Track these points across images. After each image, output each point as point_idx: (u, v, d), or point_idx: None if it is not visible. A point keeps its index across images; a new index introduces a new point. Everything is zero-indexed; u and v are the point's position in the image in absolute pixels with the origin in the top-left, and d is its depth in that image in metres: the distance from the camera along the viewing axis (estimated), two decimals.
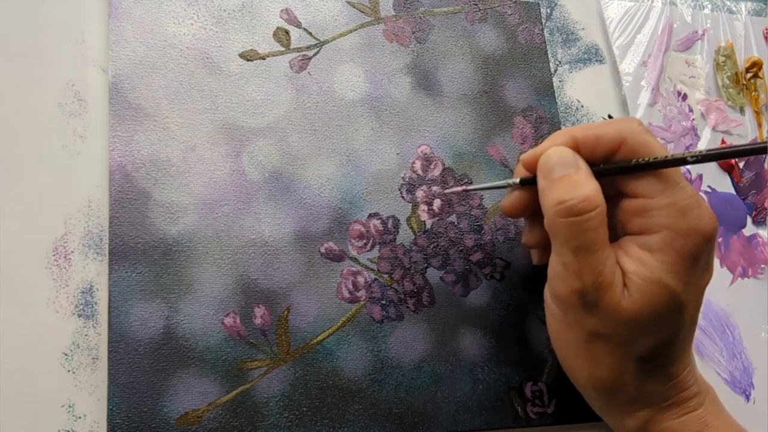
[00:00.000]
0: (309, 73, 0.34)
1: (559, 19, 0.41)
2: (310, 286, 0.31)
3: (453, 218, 0.34)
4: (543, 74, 0.39)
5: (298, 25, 0.35)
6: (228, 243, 0.30)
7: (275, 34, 0.34)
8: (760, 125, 0.43)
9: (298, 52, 0.34)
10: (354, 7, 0.36)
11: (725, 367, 0.37)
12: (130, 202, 0.30)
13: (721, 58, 0.44)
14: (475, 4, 0.39)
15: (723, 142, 0.42)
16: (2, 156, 0.29)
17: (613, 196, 0.28)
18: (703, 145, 0.42)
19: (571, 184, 0.26)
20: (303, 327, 0.30)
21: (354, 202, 0.33)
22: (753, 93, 0.44)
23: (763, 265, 0.40)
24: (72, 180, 0.30)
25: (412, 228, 0.33)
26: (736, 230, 0.41)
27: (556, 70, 0.40)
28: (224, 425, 0.28)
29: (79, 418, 0.27)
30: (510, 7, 0.39)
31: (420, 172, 0.34)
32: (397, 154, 0.34)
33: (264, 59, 0.34)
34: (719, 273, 0.39)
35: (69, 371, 0.27)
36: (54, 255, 0.29)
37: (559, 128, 0.38)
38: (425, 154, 0.35)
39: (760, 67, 0.44)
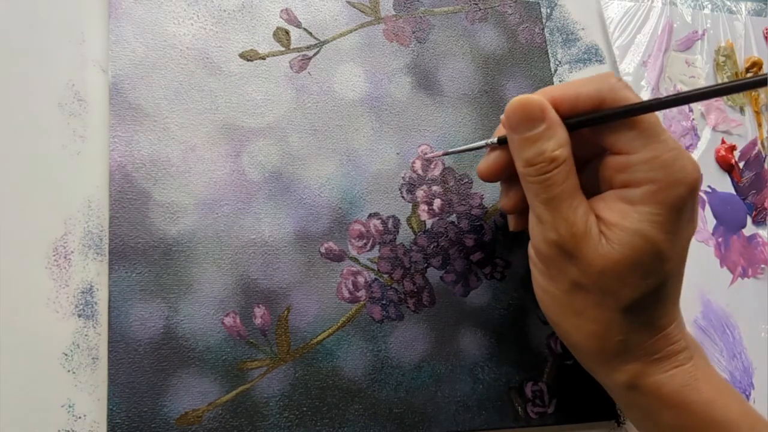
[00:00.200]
0: (309, 73, 0.34)
1: (559, 19, 0.41)
2: (310, 286, 0.31)
3: (453, 218, 0.34)
4: (543, 74, 0.39)
5: (298, 25, 0.35)
6: (228, 243, 0.30)
7: (275, 34, 0.34)
8: (760, 125, 0.43)
9: (298, 52, 0.34)
10: (354, 7, 0.36)
11: (725, 367, 0.37)
12: (130, 202, 0.30)
13: (721, 58, 0.44)
14: (476, 4, 0.39)
15: (723, 142, 0.42)
16: (2, 156, 0.29)
17: (598, 153, 0.28)
18: (703, 146, 0.42)
19: (537, 144, 0.26)
20: (303, 327, 0.30)
21: (354, 202, 0.33)
22: (753, 93, 0.44)
23: (763, 265, 0.40)
24: (72, 180, 0.30)
25: (412, 228, 0.33)
26: (736, 230, 0.41)
27: (556, 70, 0.40)
28: (224, 425, 0.28)
29: (79, 418, 0.27)
30: (510, 6, 0.39)
31: (420, 172, 0.34)
32: (397, 154, 0.34)
33: (264, 59, 0.34)
34: (719, 273, 0.39)
35: (69, 371, 0.27)
36: (54, 255, 0.29)
37: None
38: (425, 153, 0.35)
39: (760, 67, 0.44)
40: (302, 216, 0.32)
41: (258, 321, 0.30)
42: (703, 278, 0.38)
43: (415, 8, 0.37)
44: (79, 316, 0.28)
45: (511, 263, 0.34)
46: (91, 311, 0.28)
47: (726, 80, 0.43)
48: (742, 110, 0.43)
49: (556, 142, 0.26)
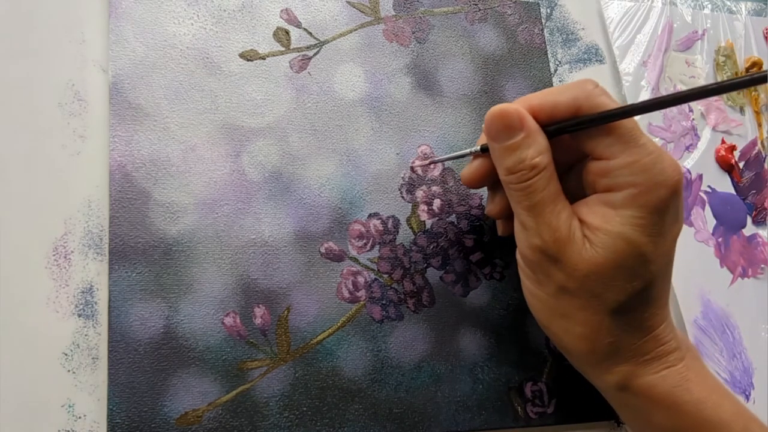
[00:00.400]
0: (309, 73, 0.34)
1: (559, 19, 0.41)
2: (310, 286, 0.31)
3: (453, 218, 0.34)
4: (543, 74, 0.39)
5: (298, 25, 0.35)
6: (228, 243, 0.30)
7: (275, 34, 0.34)
8: (760, 125, 0.43)
9: (298, 52, 0.34)
10: (354, 7, 0.36)
11: (725, 367, 0.37)
12: (130, 202, 0.30)
13: (721, 58, 0.44)
14: (475, 4, 0.39)
15: (723, 141, 0.42)
16: (2, 156, 0.29)
17: (581, 158, 0.29)
18: (703, 146, 0.42)
19: (517, 152, 0.27)
20: (303, 327, 0.30)
21: (354, 202, 0.33)
22: (753, 93, 0.44)
23: (763, 265, 0.40)
24: (72, 180, 0.30)
25: (412, 228, 0.33)
26: (736, 230, 0.41)
27: (556, 70, 0.40)
28: (224, 425, 0.28)
29: (79, 418, 0.27)
30: (510, 7, 0.39)
31: (420, 172, 0.35)
32: (397, 154, 0.34)
33: (264, 59, 0.34)
34: (719, 273, 0.39)
35: (69, 371, 0.27)
36: (54, 255, 0.29)
37: None
38: (425, 154, 0.35)
39: (760, 67, 0.44)
40: (302, 216, 0.32)
41: (258, 321, 0.30)
42: (703, 278, 0.38)
43: (414, 8, 0.37)
44: (79, 316, 0.28)
45: (511, 263, 0.34)
46: (91, 311, 0.28)
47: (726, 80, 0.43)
48: (742, 110, 0.43)
49: (536, 149, 0.26)
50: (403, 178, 0.34)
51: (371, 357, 0.31)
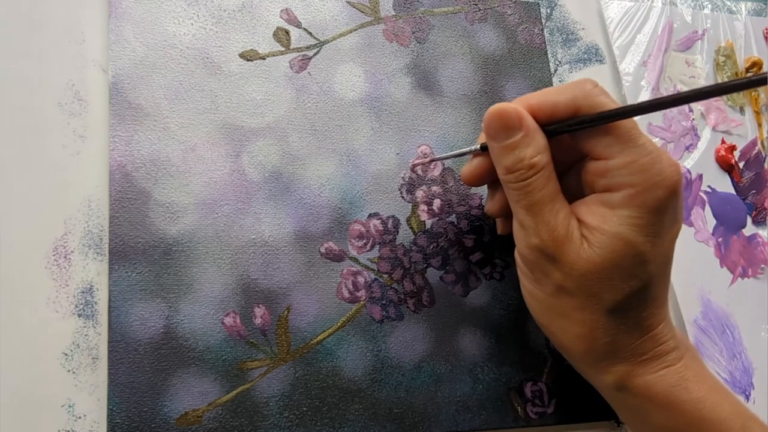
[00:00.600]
0: (309, 73, 0.34)
1: (559, 19, 0.41)
2: (310, 286, 0.31)
3: (453, 218, 0.34)
4: (543, 74, 0.39)
5: (298, 25, 0.35)
6: (228, 243, 0.30)
7: (275, 34, 0.34)
8: (760, 125, 0.43)
9: (298, 52, 0.34)
10: (354, 7, 0.36)
11: (725, 367, 0.37)
12: (130, 202, 0.30)
13: (721, 58, 0.44)
14: (475, 4, 0.39)
15: (723, 141, 0.42)
16: (2, 156, 0.29)
17: (581, 158, 0.29)
18: (703, 146, 0.42)
19: (515, 151, 0.27)
20: (303, 327, 0.30)
21: (354, 202, 0.33)
22: (753, 93, 0.44)
23: (763, 265, 0.40)
24: (72, 180, 0.30)
25: (412, 228, 0.33)
26: (736, 230, 0.41)
27: (556, 70, 0.40)
28: (224, 425, 0.28)
29: (79, 418, 0.27)
30: (510, 7, 0.39)
31: (420, 172, 0.35)
32: (397, 154, 0.34)
33: (264, 59, 0.34)
34: (719, 273, 0.39)
35: (69, 371, 0.27)
36: (54, 255, 0.29)
37: None
38: (425, 154, 0.35)
39: (760, 67, 0.44)
40: (302, 216, 0.32)
41: (258, 321, 0.30)
42: (703, 278, 0.38)
43: (414, 8, 0.37)
44: (79, 315, 0.28)
45: (511, 263, 0.34)
46: (91, 311, 0.29)
47: (726, 80, 0.43)
48: (742, 110, 0.43)
49: (534, 149, 0.27)
50: (403, 178, 0.34)
51: (371, 357, 0.31)
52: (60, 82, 0.31)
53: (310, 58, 0.34)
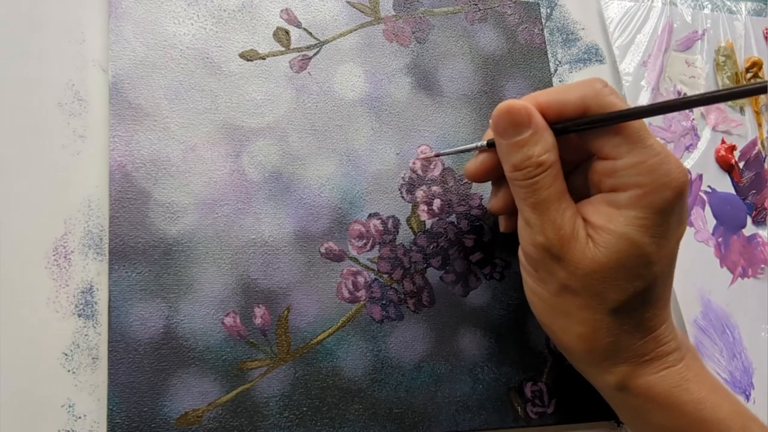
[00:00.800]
0: (309, 73, 0.34)
1: (559, 19, 0.41)
2: (310, 286, 0.31)
3: (453, 218, 0.34)
4: (543, 74, 0.39)
5: (298, 25, 0.35)
6: (228, 243, 0.30)
7: (275, 34, 0.34)
8: (760, 125, 0.43)
9: (298, 52, 0.34)
10: (354, 7, 0.36)
11: (725, 367, 0.37)
12: (130, 202, 0.30)
13: (721, 58, 0.44)
14: (475, 4, 0.39)
15: (723, 141, 0.42)
16: (2, 156, 0.29)
17: (587, 157, 0.29)
18: (703, 146, 0.42)
19: (524, 149, 0.27)
20: (303, 327, 0.30)
21: (354, 202, 0.33)
22: None
23: (763, 265, 0.40)
24: (72, 180, 0.30)
25: (412, 228, 0.33)
26: (736, 230, 0.41)
27: (556, 70, 0.40)
28: (224, 425, 0.28)
29: (79, 418, 0.27)
30: (510, 7, 0.39)
31: (420, 172, 0.35)
32: (397, 154, 0.34)
33: (264, 59, 0.34)
34: (719, 273, 0.39)
35: (69, 371, 0.27)
36: (54, 255, 0.29)
37: None
38: (425, 154, 0.35)
39: (760, 67, 0.44)
40: (302, 216, 0.32)
41: (258, 321, 0.30)
42: (703, 278, 0.38)
43: (414, 8, 0.37)
44: (79, 315, 0.28)
45: (511, 263, 0.34)
46: (91, 311, 0.29)
47: (726, 80, 0.43)
48: (742, 110, 0.43)
49: (543, 147, 0.26)
50: (403, 178, 0.34)
51: (371, 357, 0.31)
52: (60, 82, 0.31)
53: (310, 58, 0.34)
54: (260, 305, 0.30)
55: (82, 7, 0.32)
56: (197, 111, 0.32)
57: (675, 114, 0.42)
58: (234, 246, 0.30)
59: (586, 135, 0.27)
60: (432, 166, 0.35)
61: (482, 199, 0.35)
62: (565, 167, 0.27)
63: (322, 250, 0.32)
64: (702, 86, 0.43)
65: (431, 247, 0.33)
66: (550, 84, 0.39)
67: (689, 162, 0.41)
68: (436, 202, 0.34)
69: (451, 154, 0.34)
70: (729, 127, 0.42)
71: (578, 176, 0.29)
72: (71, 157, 0.30)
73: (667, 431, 0.27)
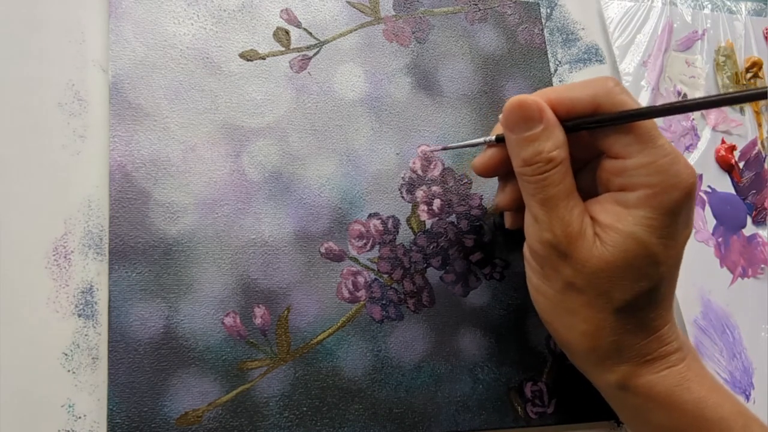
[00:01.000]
0: (309, 73, 0.34)
1: (559, 19, 0.41)
2: (310, 286, 0.31)
3: (453, 218, 0.34)
4: (543, 74, 0.39)
5: (298, 25, 0.35)
6: (228, 243, 0.30)
7: (275, 34, 0.34)
8: (760, 125, 0.43)
9: (298, 52, 0.34)
10: (354, 7, 0.36)
11: (725, 367, 0.37)
12: (130, 202, 0.30)
13: (721, 58, 0.44)
14: (475, 4, 0.39)
15: (723, 141, 0.42)
16: (2, 156, 0.29)
17: (596, 155, 0.28)
18: (703, 146, 0.42)
19: (534, 144, 0.26)
20: (303, 327, 0.30)
21: (354, 202, 0.33)
22: None
23: (763, 265, 0.40)
24: (72, 180, 0.30)
25: (412, 228, 0.33)
26: (736, 230, 0.41)
27: (556, 70, 0.40)
28: (224, 425, 0.28)
29: (79, 418, 0.27)
30: (510, 7, 0.39)
31: (420, 172, 0.35)
32: (397, 154, 0.34)
33: (264, 59, 0.34)
34: (719, 273, 0.39)
35: (69, 371, 0.27)
36: (54, 255, 0.29)
37: None
38: (425, 153, 0.35)
39: (760, 67, 0.44)
40: (302, 216, 0.32)
41: (258, 321, 0.30)
42: (703, 278, 0.38)
43: (414, 8, 0.37)
44: (79, 315, 0.28)
45: (511, 263, 0.34)
46: (91, 311, 0.29)
47: (726, 80, 0.43)
48: (742, 110, 0.43)
49: (554, 143, 0.26)
50: (403, 178, 0.34)
51: (371, 357, 0.31)
52: (60, 82, 0.31)
53: (310, 58, 0.34)
54: (260, 305, 0.30)
55: (82, 7, 0.32)
56: (197, 111, 0.32)
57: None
58: (234, 246, 0.30)
59: (597, 133, 0.27)
60: (432, 166, 0.35)
61: (482, 198, 0.35)
62: (573, 165, 0.27)
63: (322, 250, 0.32)
64: (702, 86, 0.43)
65: (431, 247, 0.33)
66: (550, 84, 0.39)
67: (689, 162, 0.41)
68: (436, 202, 0.34)
69: (459, 147, 0.34)
70: (729, 127, 0.42)
71: (586, 175, 0.29)
72: (71, 157, 0.30)
73: (668, 431, 0.27)
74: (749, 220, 0.41)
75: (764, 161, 0.42)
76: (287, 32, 0.34)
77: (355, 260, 0.32)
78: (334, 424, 0.29)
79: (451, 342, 0.32)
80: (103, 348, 0.28)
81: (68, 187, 0.30)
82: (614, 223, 0.26)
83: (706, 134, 0.42)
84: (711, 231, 0.40)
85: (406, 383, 0.31)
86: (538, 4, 0.40)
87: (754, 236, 0.41)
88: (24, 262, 0.28)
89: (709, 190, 0.41)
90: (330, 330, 0.31)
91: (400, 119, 0.35)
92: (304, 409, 0.29)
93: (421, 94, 0.36)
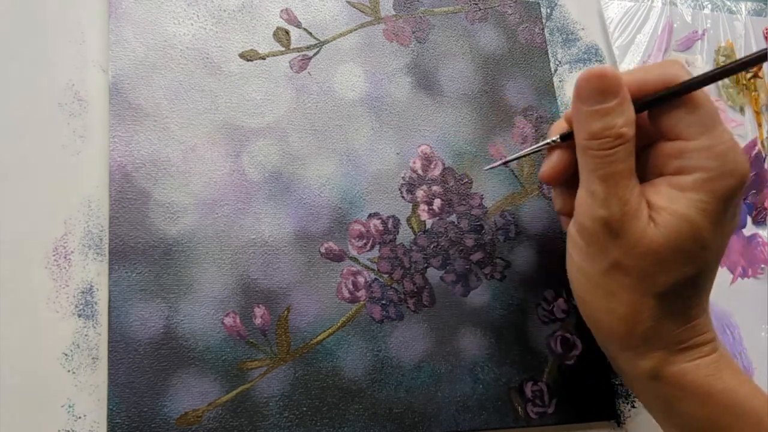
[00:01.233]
0: (309, 73, 0.34)
1: (559, 19, 0.41)
2: (310, 286, 0.31)
3: (453, 218, 0.34)
4: (543, 74, 0.39)
5: (298, 25, 0.35)
6: (228, 243, 0.30)
7: (275, 34, 0.34)
8: (760, 125, 0.43)
9: (298, 52, 0.34)
10: (354, 7, 0.36)
11: None
12: (130, 202, 0.30)
13: (721, 58, 0.44)
14: (475, 4, 0.39)
15: None
16: (2, 156, 0.29)
17: (649, 143, 0.28)
18: None
19: (606, 117, 0.26)
20: (303, 327, 0.30)
21: (354, 202, 0.33)
22: (753, 93, 0.44)
23: (763, 265, 0.40)
24: (72, 180, 0.30)
25: (412, 228, 0.33)
26: (736, 230, 0.40)
27: (556, 70, 0.40)
28: (224, 425, 0.28)
29: (79, 418, 0.27)
30: (510, 6, 0.39)
31: (420, 171, 0.34)
32: (397, 154, 0.34)
33: (264, 59, 0.34)
34: (719, 273, 0.39)
35: (69, 371, 0.27)
36: (54, 255, 0.29)
37: None
38: (425, 153, 0.35)
39: (760, 67, 0.44)
40: (302, 216, 0.32)
41: (258, 321, 0.30)
42: None
43: (415, 8, 0.37)
44: (79, 316, 0.28)
45: (511, 263, 0.34)
46: (91, 311, 0.28)
47: (726, 80, 0.43)
48: (742, 110, 0.43)
49: (626, 119, 0.26)
50: (403, 177, 0.34)
51: (371, 357, 0.31)
52: (60, 82, 0.31)
53: (310, 58, 0.34)
54: (260, 305, 0.30)
55: (82, 8, 0.32)
56: (197, 111, 0.32)
57: None
58: (234, 246, 0.30)
59: (659, 115, 0.27)
60: (432, 166, 0.35)
61: (482, 198, 0.35)
62: None
63: (322, 250, 0.32)
64: None
65: (431, 246, 0.33)
66: (550, 83, 0.39)
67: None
68: (437, 202, 0.34)
69: (521, 157, 0.34)
70: (729, 127, 0.42)
71: (637, 161, 0.29)
72: (71, 158, 0.30)
73: (699, 420, 0.27)
74: (749, 220, 0.41)
75: (764, 161, 0.42)
76: (287, 32, 0.34)
77: (355, 260, 0.32)
78: (334, 424, 0.29)
79: (451, 342, 0.32)
80: (103, 348, 0.28)
81: (68, 187, 0.30)
82: (668, 205, 0.26)
83: None
84: None
85: (406, 383, 0.31)
86: (538, 3, 0.40)
87: (754, 236, 0.41)
88: (24, 263, 0.28)
89: None
90: (330, 330, 0.31)
91: (401, 119, 0.35)
92: (304, 409, 0.29)
93: (422, 93, 0.36)
